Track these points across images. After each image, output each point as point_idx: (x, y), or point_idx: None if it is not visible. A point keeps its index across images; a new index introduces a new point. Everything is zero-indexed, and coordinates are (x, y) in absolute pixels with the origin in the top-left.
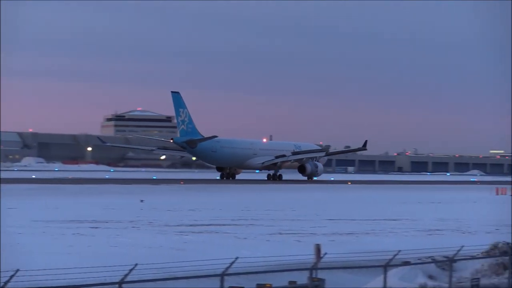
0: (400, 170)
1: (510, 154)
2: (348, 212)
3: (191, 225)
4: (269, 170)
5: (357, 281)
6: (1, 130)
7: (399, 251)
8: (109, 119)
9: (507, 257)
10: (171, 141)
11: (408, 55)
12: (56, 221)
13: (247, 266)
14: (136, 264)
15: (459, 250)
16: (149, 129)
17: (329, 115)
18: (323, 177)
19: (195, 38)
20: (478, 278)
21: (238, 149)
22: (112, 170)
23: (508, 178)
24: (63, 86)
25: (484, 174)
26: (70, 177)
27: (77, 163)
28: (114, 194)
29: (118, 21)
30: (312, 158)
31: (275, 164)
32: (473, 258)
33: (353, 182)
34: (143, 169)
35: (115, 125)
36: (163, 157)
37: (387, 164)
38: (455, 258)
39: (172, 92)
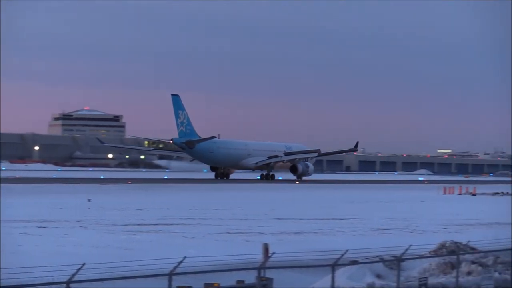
0: (348, 169)
1: (458, 154)
2: (296, 212)
3: (138, 225)
4: (262, 170)
5: (305, 281)
6: None
7: (347, 250)
8: (56, 118)
9: (454, 257)
10: (171, 142)
11: (356, 54)
12: (3, 220)
13: (195, 265)
14: (83, 264)
15: (407, 249)
16: (97, 128)
17: (272, 114)
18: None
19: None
20: (426, 277)
21: (233, 149)
22: (59, 169)
23: (455, 178)
24: (10, 86)
25: (431, 173)
26: (17, 176)
27: (24, 162)
28: (61, 193)
29: (65, 20)
30: (303, 159)
31: (268, 164)
32: (421, 257)
33: (301, 181)
34: (90, 169)
35: (63, 125)
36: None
37: (335, 164)
38: (403, 257)
39: (172, 94)
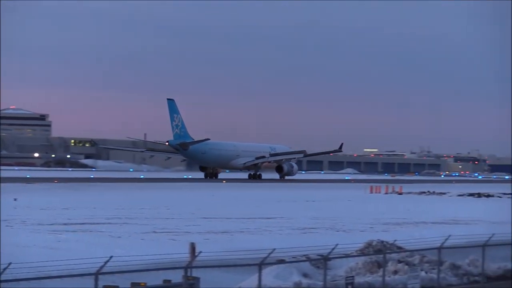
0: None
1: (384, 153)
2: (222, 211)
3: (65, 224)
4: (249, 170)
5: (232, 280)
6: None
7: (274, 249)
8: None
9: (381, 255)
10: (167, 143)
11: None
12: None
13: (121, 265)
14: (10, 263)
15: (333, 248)
16: (23, 128)
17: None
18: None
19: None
20: (352, 276)
21: (223, 150)
22: None
23: (382, 177)
24: None
25: (358, 172)
26: None
27: None
28: None
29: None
30: (288, 159)
31: (255, 164)
32: (347, 256)
33: (228, 180)
34: (16, 168)
35: None
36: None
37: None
38: (330, 256)
39: (168, 99)
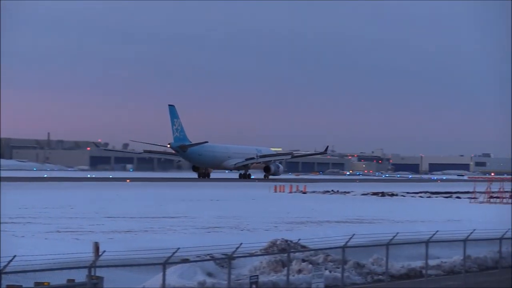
0: (179, 168)
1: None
2: (126, 210)
3: None
4: (239, 170)
5: (136, 279)
6: None
7: (178, 248)
8: None
9: (285, 255)
10: (168, 146)
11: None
12: None
13: (25, 264)
14: None
15: (238, 248)
16: None
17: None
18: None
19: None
20: (256, 276)
21: (217, 152)
22: None
23: (286, 176)
24: None
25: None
26: None
27: None
28: None
29: None
30: (276, 160)
31: (245, 165)
32: (251, 255)
33: (132, 179)
34: None
35: None
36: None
37: (166, 162)
38: (234, 255)
39: (169, 105)
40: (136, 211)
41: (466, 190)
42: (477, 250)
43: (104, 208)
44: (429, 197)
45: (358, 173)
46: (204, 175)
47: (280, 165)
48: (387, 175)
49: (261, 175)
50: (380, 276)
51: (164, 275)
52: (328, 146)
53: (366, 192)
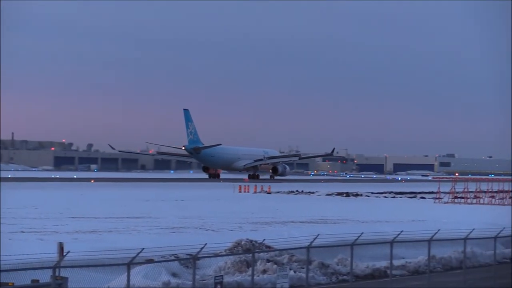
0: (143, 168)
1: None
2: (91, 210)
3: None
4: (248, 171)
5: (101, 279)
6: None
7: (143, 249)
8: None
9: (250, 255)
10: (183, 148)
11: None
12: None
13: None
14: None
15: (202, 248)
16: None
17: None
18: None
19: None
20: (221, 276)
21: (228, 154)
22: None
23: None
24: None
25: (226, 172)
26: None
27: None
28: None
29: None
30: (282, 162)
31: (254, 166)
32: (216, 255)
33: (96, 180)
34: None
35: None
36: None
37: (130, 162)
38: (199, 255)
39: (184, 109)
40: (101, 211)
41: (431, 190)
42: (442, 250)
43: (69, 208)
44: (394, 197)
45: (322, 173)
46: (214, 176)
47: (287, 166)
48: (351, 175)
49: (265, 176)
50: (345, 276)
51: (128, 275)
52: (334, 148)
53: (331, 193)
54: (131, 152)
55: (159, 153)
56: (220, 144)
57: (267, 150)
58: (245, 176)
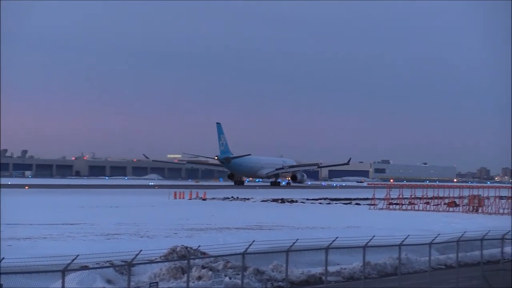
0: (78, 174)
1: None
2: (25, 217)
3: None
4: (269, 178)
5: (35, 286)
6: None
7: (77, 255)
8: None
9: (185, 261)
10: (216, 158)
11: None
12: None
13: None
14: None
15: (137, 255)
16: None
17: None
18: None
19: None
20: (156, 282)
21: (253, 163)
22: None
23: (186, 182)
24: None
25: (162, 178)
26: None
27: None
28: None
29: None
30: (301, 170)
31: (276, 174)
32: (151, 262)
33: (31, 186)
34: None
35: None
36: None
37: (64, 169)
38: (134, 262)
39: (216, 123)
40: (35, 218)
41: (366, 197)
42: (377, 256)
43: (2, 214)
44: (329, 203)
45: (258, 180)
46: (239, 183)
47: (304, 174)
48: (260, 181)
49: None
50: (280, 283)
51: (63, 282)
52: (350, 159)
53: (266, 199)
54: (164, 162)
55: (189, 162)
56: (249, 154)
57: (285, 160)
58: (267, 183)
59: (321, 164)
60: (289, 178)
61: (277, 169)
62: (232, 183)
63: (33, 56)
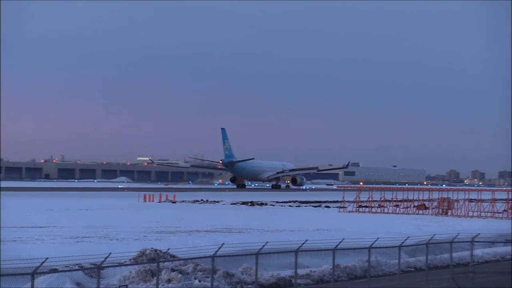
0: (47, 177)
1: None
2: None
3: None
4: (270, 181)
5: None
6: None
7: (47, 258)
8: None
9: (154, 264)
10: (220, 162)
11: None
12: None
13: None
14: None
15: (107, 257)
16: None
17: None
18: None
19: None
20: (125, 285)
21: (255, 167)
22: None
23: (155, 185)
24: None
25: (131, 181)
26: None
27: None
28: None
29: None
30: (301, 173)
31: (277, 177)
32: (121, 265)
33: (2, 189)
34: None
35: None
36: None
37: (34, 171)
38: (103, 265)
39: (221, 128)
40: (4, 221)
41: (335, 199)
42: (347, 259)
43: None
44: (299, 206)
45: (227, 183)
46: (241, 186)
47: (304, 177)
48: (256, 185)
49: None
50: (250, 286)
51: (32, 284)
52: (349, 162)
53: (236, 202)
54: (169, 165)
55: (193, 165)
56: (253, 158)
57: (285, 163)
58: (269, 186)
59: (319, 168)
60: (288, 181)
61: (278, 173)
62: (235, 186)
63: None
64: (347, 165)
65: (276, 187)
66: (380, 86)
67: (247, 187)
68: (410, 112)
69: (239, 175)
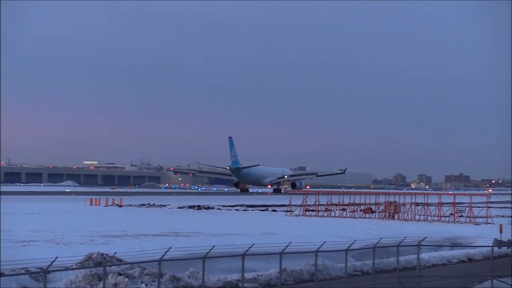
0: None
1: (104, 165)
2: None
3: None
4: (272, 186)
5: None
6: None
7: None
8: None
9: (101, 268)
10: (228, 168)
11: None
12: None
13: None
14: None
15: (53, 261)
16: None
17: None
18: None
19: None
20: None
21: (259, 173)
22: None
23: (102, 189)
24: None
25: (78, 185)
26: None
27: None
28: None
29: None
30: (300, 178)
31: (278, 182)
32: (67, 269)
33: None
34: None
35: None
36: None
37: None
38: (49, 269)
39: (229, 137)
40: None
41: (282, 203)
42: (293, 263)
43: None
44: (245, 210)
45: (174, 187)
46: (244, 190)
47: (302, 182)
48: (203, 189)
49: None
50: None
51: None
52: (346, 168)
53: (183, 205)
54: (181, 171)
55: (199, 171)
56: (258, 165)
57: (283, 169)
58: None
59: (318, 173)
60: (286, 186)
61: (278, 178)
62: (238, 190)
63: None
64: (344, 170)
65: (277, 191)
66: (329, 89)
67: (250, 191)
68: (358, 116)
69: (244, 180)
